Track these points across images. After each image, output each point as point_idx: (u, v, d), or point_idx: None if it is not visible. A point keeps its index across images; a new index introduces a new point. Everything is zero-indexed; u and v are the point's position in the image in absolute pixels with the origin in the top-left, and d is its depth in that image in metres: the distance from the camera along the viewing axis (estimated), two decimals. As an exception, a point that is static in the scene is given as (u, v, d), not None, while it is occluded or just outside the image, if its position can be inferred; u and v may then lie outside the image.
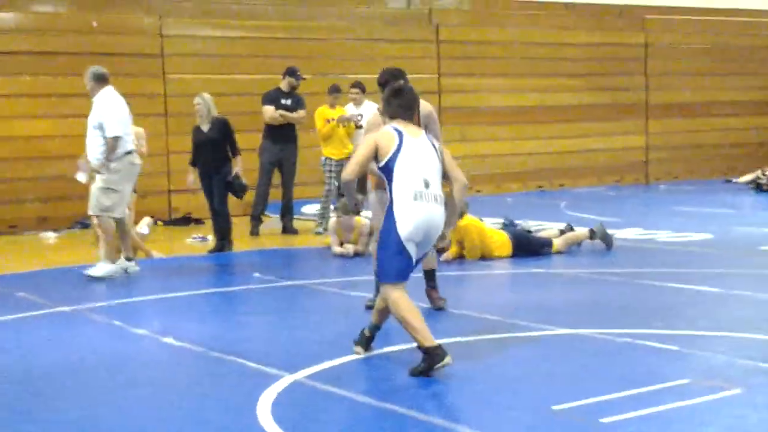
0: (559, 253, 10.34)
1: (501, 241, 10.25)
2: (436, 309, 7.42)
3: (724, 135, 21.14)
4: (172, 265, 10.40)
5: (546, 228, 11.50)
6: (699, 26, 20.99)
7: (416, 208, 5.64)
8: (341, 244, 10.44)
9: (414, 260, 5.73)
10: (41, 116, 13.74)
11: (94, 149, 9.45)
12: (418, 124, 6.40)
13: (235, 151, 11.04)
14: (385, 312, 5.90)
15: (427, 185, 5.70)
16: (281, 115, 12.50)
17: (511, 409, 4.89)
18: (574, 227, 10.92)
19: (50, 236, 13.23)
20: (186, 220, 14.43)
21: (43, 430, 4.78)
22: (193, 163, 11.15)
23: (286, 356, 5.92)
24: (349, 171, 5.82)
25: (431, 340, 5.49)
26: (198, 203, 14.04)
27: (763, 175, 17.79)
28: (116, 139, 9.34)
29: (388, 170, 5.73)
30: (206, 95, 11.18)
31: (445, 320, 7.19)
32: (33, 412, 5.10)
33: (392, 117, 5.97)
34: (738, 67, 21.36)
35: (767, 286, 8.21)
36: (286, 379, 5.55)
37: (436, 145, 5.94)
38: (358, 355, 5.98)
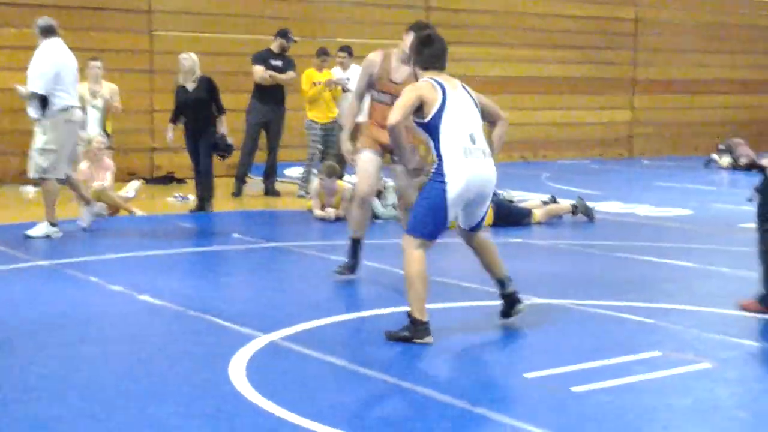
0: (539, 224, 10.37)
1: (482, 210, 10.27)
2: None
3: (710, 113, 21.19)
4: (152, 224, 10.37)
5: (529, 199, 11.53)
6: (689, 3, 20.97)
7: (468, 166, 5.46)
8: (323, 208, 10.44)
9: (447, 225, 5.59)
10: (23, 69, 13.61)
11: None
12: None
13: (221, 110, 11.01)
14: (496, 259, 5.90)
15: (473, 140, 5.54)
16: (271, 76, 12.45)
17: (484, 376, 4.93)
18: (558, 200, 10.96)
19: (30, 190, 13.15)
20: (168, 179, 14.38)
21: (17, 384, 4.78)
22: (173, 121, 11.12)
23: (263, 317, 5.94)
24: (395, 116, 5.46)
25: (424, 315, 5.41)
26: (181, 162, 14.01)
27: (717, 153, 18.02)
28: (35, 95, 8.86)
29: (433, 128, 5.51)
30: (193, 54, 11.14)
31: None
32: (8, 366, 5.10)
33: (425, 68, 5.70)
34: (727, 45, 21.39)
35: (744, 262, 8.24)
36: (261, 340, 5.56)
37: (472, 93, 5.76)
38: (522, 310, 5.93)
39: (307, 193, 11.72)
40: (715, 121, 21.11)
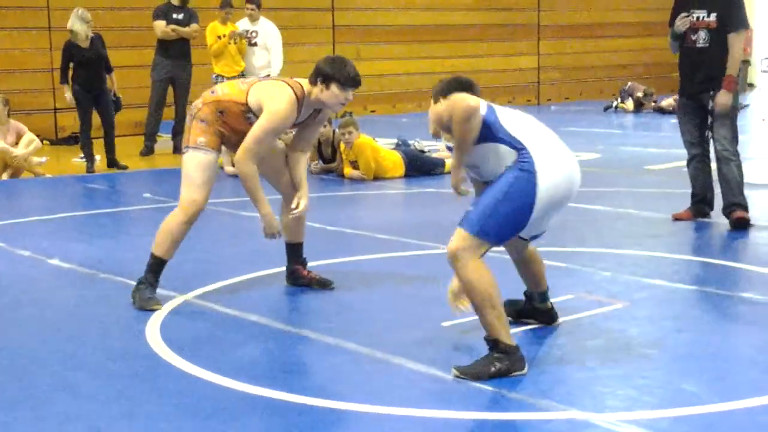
0: (449, 173, 10.41)
1: (394, 161, 10.29)
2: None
3: (614, 56, 21.49)
4: (58, 186, 10.13)
5: (441, 148, 11.56)
6: (591, -54, 21.16)
7: (562, 155, 4.43)
8: (233, 164, 10.30)
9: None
10: None
11: None
12: (312, 119, 5.51)
13: (110, 69, 11.00)
14: (543, 271, 4.88)
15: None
16: (173, 30, 12.20)
17: (401, 326, 4.95)
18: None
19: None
20: (73, 140, 14.04)
21: (-77, 354, 4.65)
22: (66, 81, 10.97)
23: (177, 277, 5.86)
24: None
25: (512, 340, 4.26)
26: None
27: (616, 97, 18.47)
28: None
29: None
30: (82, 9, 10.94)
31: (337, 240, 7.21)
32: None
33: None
34: (630, -13, 21.67)
35: (651, 204, 8.44)
36: (177, 300, 5.50)
37: None
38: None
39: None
40: (619, 64, 21.43)
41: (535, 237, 4.67)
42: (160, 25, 12.22)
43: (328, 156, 10.64)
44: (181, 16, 12.30)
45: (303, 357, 4.57)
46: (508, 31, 19.90)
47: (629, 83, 18.66)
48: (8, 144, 10.44)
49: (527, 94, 20.39)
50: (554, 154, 4.33)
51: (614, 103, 18.35)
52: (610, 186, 9.55)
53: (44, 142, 13.56)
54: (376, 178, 10.08)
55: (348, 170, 10.19)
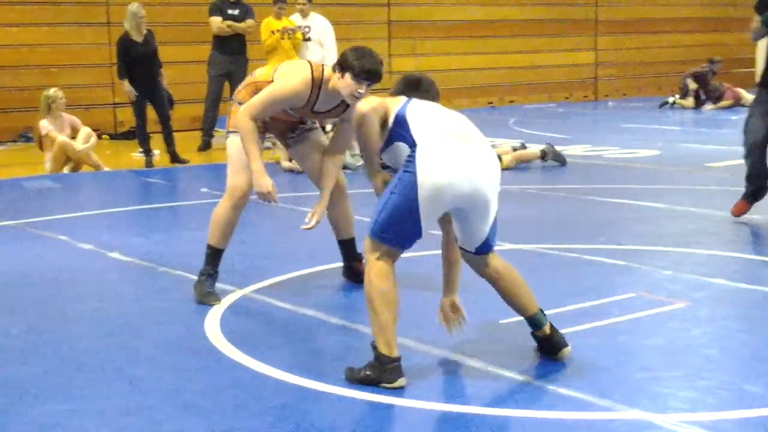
0: (507, 169, 10.36)
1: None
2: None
3: (673, 52, 21.21)
4: (117, 180, 10.26)
5: (498, 145, 11.51)
6: (650, -59, 20.91)
7: (451, 150, 4.09)
8: (290, 159, 10.36)
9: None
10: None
11: None
12: (337, 116, 5.45)
13: (159, 64, 11.13)
14: (522, 291, 4.46)
15: (462, 125, 4.24)
16: (228, 26, 12.27)
17: (459, 323, 4.92)
18: (527, 146, 10.96)
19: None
20: (132, 134, 14.19)
21: (-13, 344, 4.73)
22: (124, 76, 11.06)
23: (235, 271, 5.90)
24: (367, 103, 4.18)
25: (393, 349, 4.07)
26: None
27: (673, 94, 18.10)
28: None
29: (400, 119, 4.16)
30: (136, 4, 11.08)
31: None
32: (-23, 327, 5.04)
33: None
34: (687, -18, 21.39)
35: (711, 201, 8.32)
36: (235, 294, 5.53)
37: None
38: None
39: (274, 144, 11.62)
40: (678, 60, 21.15)
41: (482, 250, 4.32)
42: (216, 20, 12.31)
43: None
44: (236, 12, 12.37)
45: (359, 353, 4.56)
46: (565, 27, 19.74)
47: (687, 77, 18.19)
48: (64, 135, 10.56)
49: (584, 90, 20.21)
50: (443, 156, 4.04)
51: (671, 100, 18.07)
52: (669, 183, 9.43)
53: (103, 136, 13.74)
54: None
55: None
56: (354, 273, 5.76)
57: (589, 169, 10.52)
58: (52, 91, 10.70)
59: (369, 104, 4.15)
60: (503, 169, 10.18)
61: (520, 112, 17.57)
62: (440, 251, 4.63)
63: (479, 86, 18.64)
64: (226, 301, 5.38)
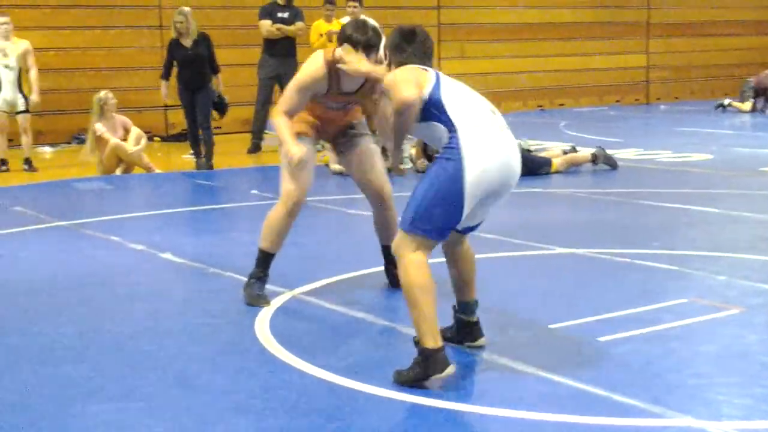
0: (558, 173, 10.30)
1: (500, 160, 10.19)
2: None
3: (726, 55, 20.94)
4: (168, 181, 10.35)
5: (549, 148, 11.45)
6: (703, -57, 20.67)
7: (494, 139, 4.17)
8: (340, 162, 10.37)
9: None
10: (36, 28, 13.54)
11: None
12: (371, 91, 5.35)
13: (216, 70, 11.11)
14: (474, 278, 4.54)
15: (493, 112, 4.31)
16: (278, 29, 12.34)
17: (507, 327, 4.89)
18: (578, 149, 10.89)
19: (47, 150, 13.16)
20: (183, 136, 14.32)
21: (42, 343, 4.78)
22: (166, 77, 11.13)
23: (285, 273, 5.91)
24: (409, 91, 4.10)
25: (438, 339, 4.05)
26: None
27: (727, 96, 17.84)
28: None
29: (435, 101, 4.16)
30: (186, 9, 11.08)
31: (443, 238, 7.18)
32: (33, 325, 5.10)
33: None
34: (741, -16, 21.11)
35: (766, 206, 8.19)
36: (285, 295, 5.55)
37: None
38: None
39: (324, 147, 11.65)
40: (730, 64, 20.88)
41: (470, 229, 4.42)
42: (266, 24, 12.37)
43: (434, 154, 10.60)
44: (286, 15, 12.43)
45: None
46: (616, 29, 19.57)
47: (753, 79, 17.70)
48: (117, 138, 10.68)
49: (636, 93, 20.02)
50: (485, 140, 4.11)
51: (726, 102, 17.79)
52: (723, 188, 9.30)
53: (155, 138, 13.88)
54: (481, 177, 10.00)
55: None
56: (391, 278, 5.69)
57: (641, 173, 10.41)
58: (102, 93, 10.79)
59: (411, 91, 4.10)
60: (554, 173, 10.23)
61: (571, 115, 17.44)
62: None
63: (529, 89, 18.54)
64: (276, 303, 5.40)
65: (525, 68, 18.32)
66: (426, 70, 4.27)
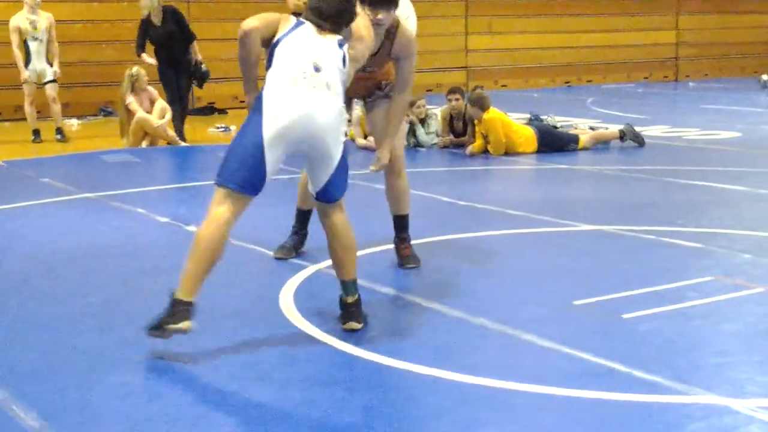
0: (585, 149, 10.25)
1: (526, 136, 10.16)
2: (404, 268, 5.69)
3: (755, 32, 20.71)
4: (193, 154, 10.38)
5: (576, 125, 11.39)
6: None
7: (294, 94, 4.20)
8: (366, 137, 10.37)
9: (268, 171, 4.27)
10: (63, 0, 13.58)
11: None
12: (387, 55, 5.31)
13: (190, 38, 10.95)
14: (348, 256, 4.62)
15: (316, 69, 4.25)
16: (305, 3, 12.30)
17: (531, 303, 4.88)
18: (606, 126, 10.84)
19: (74, 122, 13.23)
20: (209, 110, 14.36)
21: (66, 314, 4.83)
22: (139, 54, 11.01)
23: (309, 246, 5.93)
24: (250, 21, 4.32)
25: (190, 292, 4.19)
26: (222, 93, 13.96)
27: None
28: None
29: (270, 54, 4.32)
30: None
31: (466, 215, 7.17)
32: (57, 296, 5.15)
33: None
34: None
35: (795, 186, 8.12)
36: (309, 269, 5.57)
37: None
38: None
39: (349, 121, 11.64)
40: (760, 41, 20.65)
41: (321, 197, 4.52)
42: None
43: (460, 130, 10.58)
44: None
45: (431, 330, 4.55)
46: (646, 5, 19.39)
47: None
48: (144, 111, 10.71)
49: (664, 70, 19.85)
50: (285, 93, 4.18)
51: (765, 77, 17.57)
52: (751, 166, 9.22)
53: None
54: (507, 153, 9.98)
55: (471, 147, 10.09)
56: (396, 251, 5.72)
57: (669, 151, 10.34)
58: (135, 69, 10.82)
59: (252, 22, 4.29)
60: (581, 149, 10.18)
61: (598, 92, 17.32)
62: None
63: (557, 65, 18.42)
64: (301, 276, 5.42)
65: (553, 44, 18.19)
66: (299, 21, 4.33)
